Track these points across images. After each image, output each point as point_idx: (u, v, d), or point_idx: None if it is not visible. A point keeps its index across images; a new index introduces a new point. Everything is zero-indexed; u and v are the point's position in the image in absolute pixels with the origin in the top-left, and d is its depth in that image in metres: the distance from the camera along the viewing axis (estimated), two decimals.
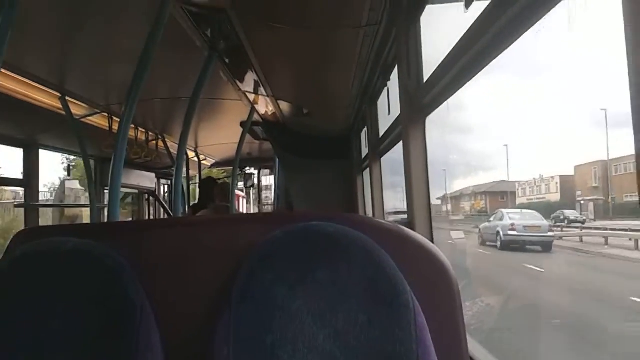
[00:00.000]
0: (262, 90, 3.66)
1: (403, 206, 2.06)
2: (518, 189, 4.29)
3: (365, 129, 3.93)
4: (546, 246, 3.19)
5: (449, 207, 5.22)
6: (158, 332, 0.83)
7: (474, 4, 1.25)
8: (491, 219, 3.94)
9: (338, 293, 0.79)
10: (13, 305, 0.79)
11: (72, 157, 7.00)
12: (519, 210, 3.89)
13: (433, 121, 1.73)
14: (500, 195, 4.65)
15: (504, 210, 3.81)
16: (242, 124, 4.72)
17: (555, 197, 3.77)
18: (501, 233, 3.57)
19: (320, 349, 0.76)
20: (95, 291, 0.81)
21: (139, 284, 0.83)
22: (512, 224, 3.63)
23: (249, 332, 0.78)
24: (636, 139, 0.64)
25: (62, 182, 6.70)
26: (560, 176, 3.92)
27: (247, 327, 0.78)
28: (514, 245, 3.57)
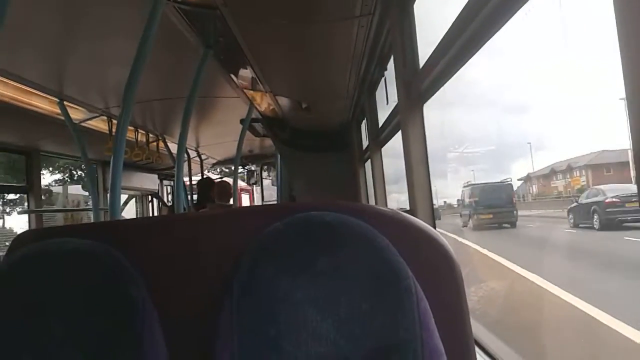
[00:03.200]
0: (259, 86, 3.64)
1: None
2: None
3: (365, 120, 3.92)
4: None
5: (534, 188, 4.58)
6: (161, 329, 0.83)
7: None
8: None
9: (340, 281, 0.79)
10: (13, 308, 0.78)
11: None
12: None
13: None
14: (606, 168, 4.04)
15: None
16: (242, 121, 4.70)
17: None
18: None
19: (324, 338, 0.76)
20: (96, 291, 0.81)
21: (140, 282, 0.83)
22: None
23: (252, 325, 0.78)
24: None
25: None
26: None
27: (250, 320, 0.78)
28: None
